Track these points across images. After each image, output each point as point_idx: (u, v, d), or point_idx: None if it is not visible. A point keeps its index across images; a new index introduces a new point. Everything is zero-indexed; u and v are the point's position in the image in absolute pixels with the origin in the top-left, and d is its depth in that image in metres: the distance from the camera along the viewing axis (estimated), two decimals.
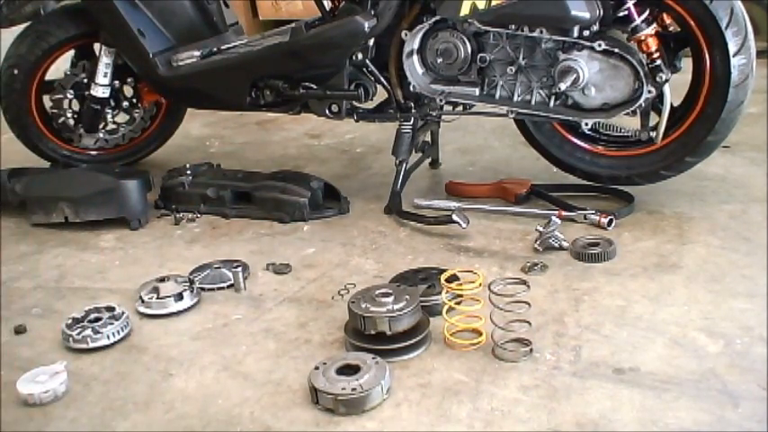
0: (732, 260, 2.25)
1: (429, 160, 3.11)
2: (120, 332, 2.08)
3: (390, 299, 1.92)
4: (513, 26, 2.51)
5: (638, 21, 2.44)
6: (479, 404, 1.73)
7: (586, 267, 2.27)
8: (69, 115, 3.18)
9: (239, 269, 2.33)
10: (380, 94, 2.80)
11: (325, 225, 2.71)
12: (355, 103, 2.80)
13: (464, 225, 2.47)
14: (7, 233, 2.84)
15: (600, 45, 2.43)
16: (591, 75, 2.48)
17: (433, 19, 2.59)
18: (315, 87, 2.76)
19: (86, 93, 3.12)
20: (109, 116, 3.21)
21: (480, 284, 1.92)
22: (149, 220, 2.83)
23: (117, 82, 3.14)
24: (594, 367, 1.82)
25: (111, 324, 2.08)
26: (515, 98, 2.61)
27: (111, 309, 2.15)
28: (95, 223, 2.78)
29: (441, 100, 2.67)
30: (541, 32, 2.48)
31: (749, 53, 2.41)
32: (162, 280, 2.27)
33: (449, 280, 1.98)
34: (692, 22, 2.44)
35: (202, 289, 2.29)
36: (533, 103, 2.60)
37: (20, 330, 2.17)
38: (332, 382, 1.76)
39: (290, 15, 4.63)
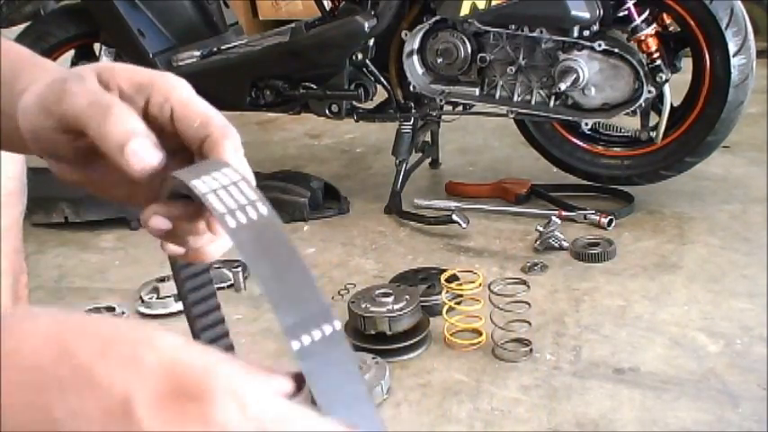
0: (732, 260, 2.25)
1: (429, 160, 3.11)
2: None
3: (390, 299, 1.92)
4: (513, 26, 2.51)
5: (638, 21, 2.44)
6: (479, 404, 1.73)
7: (586, 267, 2.27)
8: None
9: (239, 269, 2.32)
10: (380, 94, 2.80)
11: (325, 225, 2.71)
12: (355, 103, 2.80)
13: (464, 225, 2.47)
14: None
15: (600, 45, 2.43)
16: (591, 75, 2.48)
17: (433, 19, 2.59)
18: (315, 87, 2.76)
19: None
20: None
21: (480, 284, 1.92)
22: None
23: None
24: (594, 367, 1.82)
25: None
26: (515, 98, 2.61)
27: (111, 309, 2.15)
28: (95, 223, 2.78)
29: (441, 100, 2.67)
30: (541, 32, 2.48)
31: (749, 53, 2.41)
32: (162, 280, 2.27)
33: (449, 280, 1.98)
34: (692, 22, 2.44)
35: None
36: (533, 103, 2.60)
37: None
38: None
39: (290, 15, 4.62)
